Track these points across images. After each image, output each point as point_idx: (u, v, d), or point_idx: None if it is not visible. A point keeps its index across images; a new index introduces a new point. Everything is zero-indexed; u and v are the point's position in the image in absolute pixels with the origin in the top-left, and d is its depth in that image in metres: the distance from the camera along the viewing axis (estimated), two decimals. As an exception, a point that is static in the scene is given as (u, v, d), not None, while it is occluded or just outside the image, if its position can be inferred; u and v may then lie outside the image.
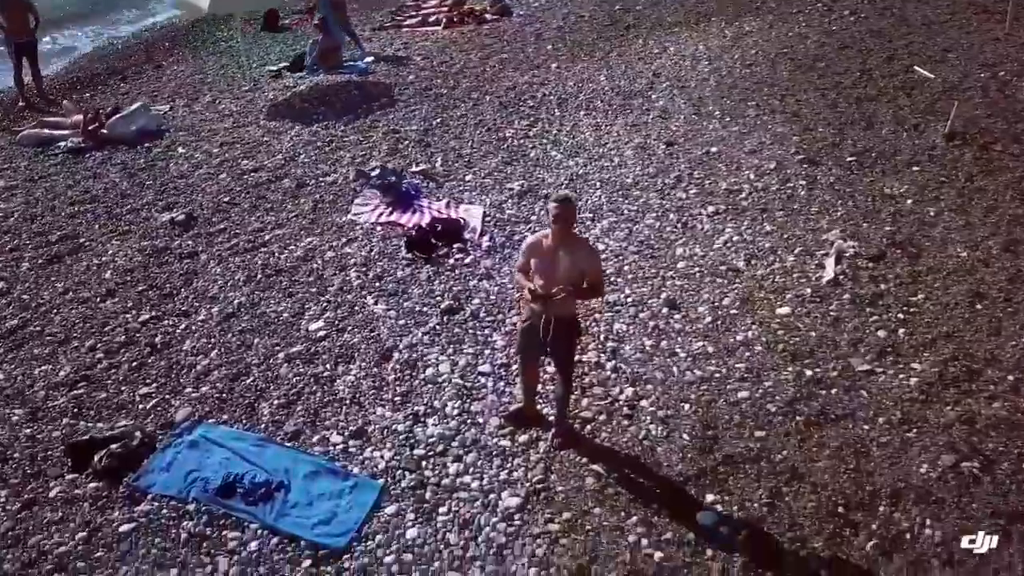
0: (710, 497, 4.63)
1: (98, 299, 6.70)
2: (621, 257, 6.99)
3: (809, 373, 5.53)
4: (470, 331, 6.13)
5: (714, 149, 8.90)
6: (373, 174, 8.32)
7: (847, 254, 6.76)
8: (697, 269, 6.80)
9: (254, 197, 8.28)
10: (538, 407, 5.26)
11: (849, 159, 8.45)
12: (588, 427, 5.17)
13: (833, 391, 5.36)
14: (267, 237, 7.51)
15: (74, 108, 11.01)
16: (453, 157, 9.01)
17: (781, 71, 10.98)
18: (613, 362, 5.74)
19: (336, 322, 6.27)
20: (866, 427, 5.06)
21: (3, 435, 5.25)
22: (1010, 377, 5.38)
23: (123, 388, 5.66)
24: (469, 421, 5.24)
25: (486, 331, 6.13)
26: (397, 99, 10.68)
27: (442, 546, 4.38)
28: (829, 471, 4.75)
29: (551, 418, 5.13)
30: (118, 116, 10.17)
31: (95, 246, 7.53)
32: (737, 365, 5.65)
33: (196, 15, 13.59)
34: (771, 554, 4.28)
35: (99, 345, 6.12)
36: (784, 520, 4.47)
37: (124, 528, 4.52)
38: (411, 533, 4.45)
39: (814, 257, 6.84)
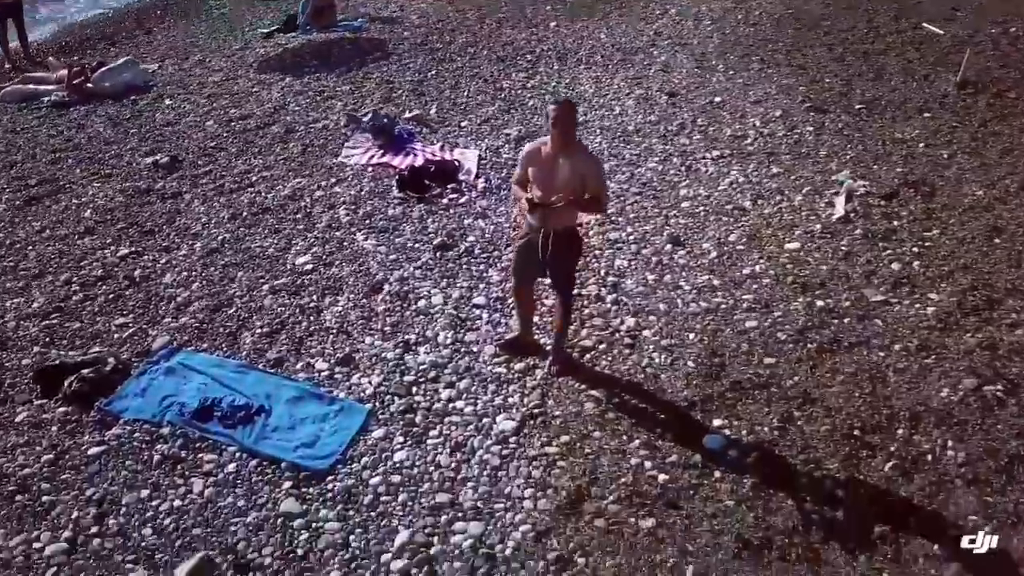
0: (717, 422, 4.37)
1: (76, 236, 6.38)
2: (622, 198, 6.70)
3: (820, 303, 5.27)
4: (464, 266, 5.84)
5: (718, 99, 8.61)
6: (365, 119, 8.02)
7: (858, 192, 6.48)
8: (702, 208, 6.52)
9: (242, 142, 7.96)
10: (535, 336, 4.99)
11: (858, 107, 8.18)
12: (588, 356, 4.90)
13: (846, 320, 5.10)
14: (254, 178, 7.19)
15: (59, 64, 10.66)
16: (448, 105, 8.70)
17: (786, 29, 10.70)
18: (614, 295, 5.46)
19: (324, 257, 5.97)
20: (881, 354, 4.80)
21: (-31, 363, 4.95)
22: (1032, 306, 5.13)
23: (98, 319, 5.36)
24: (463, 350, 4.96)
25: (481, 267, 5.84)
26: (392, 53, 10.37)
27: (432, 468, 4.10)
28: (843, 396, 4.49)
29: (548, 347, 4.86)
30: (104, 69, 9.83)
31: (75, 188, 7.21)
32: (745, 296, 5.38)
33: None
34: (784, 476, 4.01)
35: (75, 279, 5.81)
36: (797, 443, 4.21)
37: (93, 451, 4.23)
38: (400, 455, 4.18)
39: (823, 196, 6.57)
